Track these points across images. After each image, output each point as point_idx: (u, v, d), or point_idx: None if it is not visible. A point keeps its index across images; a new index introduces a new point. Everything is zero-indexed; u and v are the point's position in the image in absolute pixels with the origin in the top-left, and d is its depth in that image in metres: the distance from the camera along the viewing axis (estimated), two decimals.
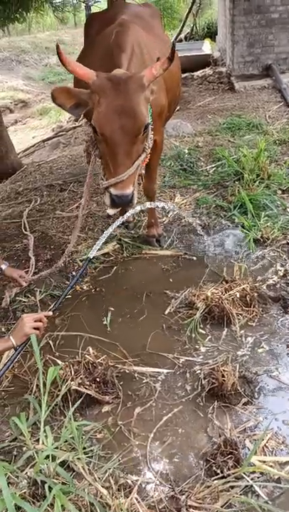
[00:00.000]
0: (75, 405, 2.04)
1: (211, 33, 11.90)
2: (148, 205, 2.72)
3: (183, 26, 12.66)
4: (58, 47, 2.08)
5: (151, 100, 2.22)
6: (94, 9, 4.82)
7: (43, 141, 8.14)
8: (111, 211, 2.27)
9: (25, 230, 3.92)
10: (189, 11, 12.41)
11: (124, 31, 2.58)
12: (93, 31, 3.36)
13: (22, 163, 6.34)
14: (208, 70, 8.96)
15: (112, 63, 2.37)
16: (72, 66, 2.11)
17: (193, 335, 2.56)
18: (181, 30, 12.67)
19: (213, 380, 2.17)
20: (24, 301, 2.97)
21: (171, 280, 3.07)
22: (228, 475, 1.77)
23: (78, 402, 2.08)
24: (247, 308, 2.66)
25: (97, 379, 2.20)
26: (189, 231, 3.62)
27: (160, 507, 1.73)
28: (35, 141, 8.70)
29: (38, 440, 1.93)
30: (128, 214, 2.42)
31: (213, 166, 4.65)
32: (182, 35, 12.64)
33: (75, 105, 2.18)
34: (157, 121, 2.86)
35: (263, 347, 2.45)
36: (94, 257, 3.18)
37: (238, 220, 3.59)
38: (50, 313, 2.24)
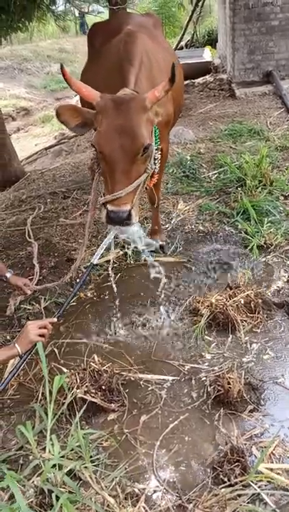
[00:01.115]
0: (80, 413, 2.03)
1: (212, 41, 11.99)
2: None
3: (183, 34, 12.75)
4: (62, 67, 2.12)
5: (157, 122, 2.24)
6: (96, 19, 4.86)
7: (46, 148, 8.19)
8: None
9: (29, 238, 3.93)
10: (190, 19, 12.50)
11: (132, 42, 2.60)
12: (97, 42, 3.39)
13: (25, 170, 6.37)
14: (209, 77, 9.02)
15: (120, 76, 2.39)
16: (77, 86, 2.14)
17: (198, 342, 2.56)
18: (181, 38, 12.75)
19: (219, 388, 2.17)
20: (29, 309, 2.98)
21: (175, 287, 3.07)
22: (236, 483, 1.76)
23: (84, 410, 2.07)
24: (251, 315, 2.66)
25: (103, 387, 2.20)
26: (193, 238, 3.63)
27: None
28: (37, 148, 8.76)
29: (44, 449, 1.92)
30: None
31: (215, 172, 4.67)
32: (183, 43, 12.72)
33: (80, 124, 2.20)
34: (164, 130, 2.89)
35: (268, 353, 2.45)
36: (97, 264, 3.20)
37: (241, 226, 3.60)
38: (55, 319, 2.24)
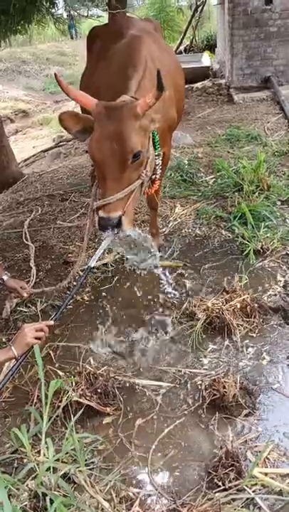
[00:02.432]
0: (76, 417, 2.03)
1: (210, 46, 12.05)
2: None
3: (182, 39, 12.82)
4: (56, 75, 2.14)
5: (156, 127, 2.25)
6: (95, 23, 4.88)
7: (44, 151, 8.19)
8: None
9: (26, 240, 3.93)
10: (189, 24, 12.58)
11: (137, 46, 2.61)
12: (97, 46, 3.39)
13: (23, 173, 6.37)
14: (207, 82, 9.06)
15: (123, 81, 2.39)
16: (74, 94, 2.17)
17: (194, 346, 2.56)
18: (180, 43, 12.82)
19: (214, 392, 2.17)
20: (25, 311, 2.98)
21: (171, 290, 3.07)
22: (230, 487, 1.76)
23: (79, 413, 2.07)
24: (247, 319, 2.67)
25: (99, 390, 2.20)
26: (190, 242, 3.64)
27: None
28: (35, 151, 8.76)
29: (39, 452, 1.92)
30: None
31: (212, 177, 4.69)
32: (182, 48, 12.79)
33: (81, 130, 2.21)
34: (167, 134, 2.90)
35: (263, 358, 2.45)
36: (94, 267, 3.20)
37: (237, 230, 3.61)
38: (52, 322, 2.24)
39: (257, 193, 4.02)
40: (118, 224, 2.13)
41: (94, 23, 4.90)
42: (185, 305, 2.86)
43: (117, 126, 2.06)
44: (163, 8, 14.07)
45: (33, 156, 8.19)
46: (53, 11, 5.79)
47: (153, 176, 2.51)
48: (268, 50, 8.13)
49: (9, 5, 4.02)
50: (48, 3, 5.27)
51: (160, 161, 2.50)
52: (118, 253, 3.50)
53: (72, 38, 20.42)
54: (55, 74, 2.24)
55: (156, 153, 2.44)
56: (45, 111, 14.08)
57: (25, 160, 8.03)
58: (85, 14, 5.11)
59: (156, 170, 2.49)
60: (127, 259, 3.23)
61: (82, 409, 2.11)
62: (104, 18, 5.66)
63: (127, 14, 5.35)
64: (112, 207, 2.10)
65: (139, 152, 2.11)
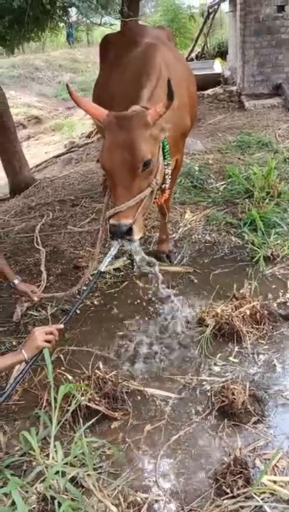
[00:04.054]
0: (87, 424, 2.03)
1: (222, 53, 12.09)
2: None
3: (194, 46, 12.88)
4: (68, 87, 2.20)
5: (166, 136, 2.28)
6: (107, 31, 4.93)
7: (56, 156, 8.28)
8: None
9: (38, 245, 3.97)
10: (201, 31, 12.63)
11: (152, 54, 2.63)
12: (111, 54, 3.42)
13: (35, 178, 6.43)
14: (218, 89, 9.09)
15: (137, 89, 2.41)
16: (84, 105, 2.21)
17: (204, 352, 2.56)
18: (192, 50, 12.88)
19: (223, 398, 2.16)
20: (35, 315, 3.00)
21: (180, 297, 3.08)
22: (238, 495, 1.75)
23: (92, 420, 2.07)
24: (257, 326, 2.66)
25: (108, 394, 2.21)
26: (200, 248, 3.64)
27: None
28: (47, 156, 8.86)
29: (48, 455, 1.93)
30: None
31: (223, 183, 4.69)
32: (193, 55, 12.84)
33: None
34: (180, 141, 2.92)
35: (273, 365, 2.44)
36: (104, 272, 3.22)
37: (248, 237, 3.60)
38: (62, 326, 2.25)
39: (267, 200, 4.02)
40: (128, 231, 2.15)
41: (106, 31, 4.94)
42: (194, 311, 2.86)
43: (127, 135, 2.09)
44: (176, 16, 14.19)
45: (45, 161, 8.28)
46: (66, 18, 5.87)
47: (163, 186, 2.53)
48: (279, 57, 8.14)
49: (24, 15, 4.08)
50: (61, 12, 5.34)
51: (169, 171, 2.51)
52: (127, 258, 3.52)
53: (70, 45, 20.69)
54: (67, 85, 2.28)
55: (166, 163, 2.45)
56: (58, 117, 14.24)
57: (38, 165, 8.12)
58: (98, 22, 5.16)
59: (165, 179, 2.51)
60: (133, 265, 3.27)
61: (90, 414, 2.11)
62: (117, 26, 5.71)
63: (140, 22, 5.40)
64: (122, 214, 2.13)
65: (149, 161, 2.13)
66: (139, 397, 2.31)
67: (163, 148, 2.40)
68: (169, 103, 2.06)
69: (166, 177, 2.50)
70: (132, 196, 2.14)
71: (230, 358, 2.51)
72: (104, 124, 2.16)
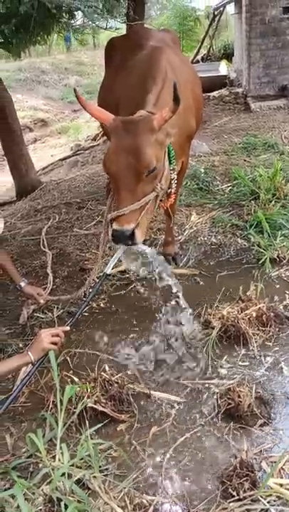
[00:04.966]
0: (94, 427, 2.03)
1: (228, 55, 12.09)
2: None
3: (200, 48, 12.89)
4: (75, 91, 2.21)
5: (172, 141, 2.28)
6: (113, 34, 4.95)
7: (62, 159, 8.31)
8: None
9: (44, 247, 3.99)
10: (206, 33, 12.64)
11: (158, 57, 2.63)
12: (116, 57, 3.43)
13: (41, 181, 6.47)
14: (224, 91, 9.09)
15: (143, 94, 2.42)
16: (91, 110, 2.23)
17: (210, 354, 2.56)
18: (198, 52, 12.90)
19: (229, 401, 2.16)
20: (42, 318, 3.02)
21: (187, 299, 3.07)
22: (244, 497, 1.75)
23: (98, 424, 2.07)
24: (263, 328, 2.66)
25: (114, 396, 2.21)
26: (205, 250, 3.64)
27: None
28: (53, 159, 8.89)
29: (54, 457, 1.93)
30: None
31: (229, 185, 4.68)
32: (199, 57, 12.86)
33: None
34: (186, 144, 2.92)
35: (280, 367, 2.43)
36: (110, 274, 3.22)
37: (254, 239, 3.60)
38: (68, 328, 2.26)
39: (273, 202, 4.01)
40: (131, 236, 2.14)
41: (112, 34, 4.96)
42: (200, 313, 2.86)
43: (133, 139, 2.09)
44: (184, 18, 14.24)
45: (51, 164, 8.32)
46: (72, 22, 5.90)
47: (169, 190, 2.53)
48: (285, 58, 8.13)
49: (30, 19, 4.11)
50: (67, 15, 5.37)
51: (175, 176, 2.50)
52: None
53: (67, 49, 20.83)
54: (74, 89, 2.30)
55: (172, 168, 2.45)
56: (64, 120, 14.30)
57: (44, 168, 8.16)
58: (104, 26, 5.18)
59: (171, 184, 2.50)
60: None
61: (96, 416, 2.12)
62: (122, 30, 5.73)
63: (145, 25, 5.41)
64: (125, 219, 2.12)
65: (154, 166, 2.13)
66: (145, 400, 2.31)
67: (169, 154, 2.40)
68: (175, 107, 2.06)
69: (172, 182, 2.49)
70: (136, 200, 2.13)
71: (237, 361, 2.50)
72: (111, 128, 2.17)
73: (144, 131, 2.11)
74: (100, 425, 2.08)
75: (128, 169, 2.09)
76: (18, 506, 1.79)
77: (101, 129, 4.64)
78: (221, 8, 12.45)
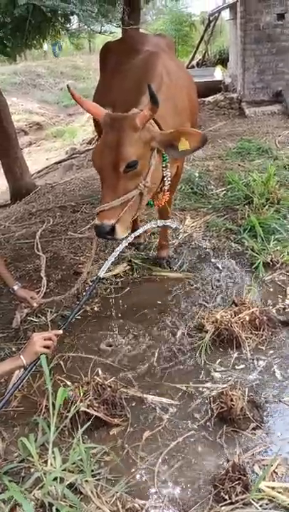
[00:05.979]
0: (84, 428, 2.03)
1: (223, 60, 12.18)
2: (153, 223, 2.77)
3: (195, 53, 12.98)
4: (69, 88, 2.25)
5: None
6: (108, 38, 4.97)
7: (57, 163, 8.32)
8: None
9: (38, 251, 3.98)
10: (201, 39, 12.73)
11: (154, 62, 2.67)
12: (112, 62, 3.43)
13: (36, 184, 6.47)
14: (219, 96, 9.15)
15: (137, 96, 2.45)
16: (85, 105, 2.29)
17: (203, 358, 2.56)
18: (193, 57, 12.98)
19: (222, 405, 2.16)
20: (35, 321, 3.01)
21: (180, 303, 3.08)
22: (237, 501, 1.75)
23: (87, 424, 2.07)
24: (256, 332, 2.66)
25: (106, 401, 2.21)
26: (199, 254, 3.65)
27: None
28: (48, 163, 8.90)
29: (46, 461, 1.92)
30: (136, 233, 2.47)
31: (223, 189, 4.71)
32: (194, 62, 12.94)
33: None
34: None
35: (272, 371, 2.44)
36: (104, 278, 3.22)
37: (247, 243, 3.61)
38: (60, 331, 2.26)
39: (267, 206, 4.03)
40: (111, 232, 2.20)
41: (108, 39, 4.99)
42: (194, 317, 2.87)
43: (116, 135, 2.15)
44: (179, 23, 14.34)
45: (46, 167, 8.33)
46: (68, 26, 5.93)
47: (163, 188, 2.56)
48: (279, 64, 8.20)
49: (25, 23, 4.13)
50: (62, 19, 5.39)
51: (168, 173, 2.53)
52: (128, 264, 3.53)
53: (55, 55, 20.89)
54: (68, 86, 2.34)
55: (164, 165, 2.48)
56: (59, 124, 14.32)
57: (39, 171, 8.16)
58: (99, 30, 5.21)
59: (164, 181, 2.53)
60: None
61: (90, 421, 2.11)
62: (117, 35, 5.76)
63: (140, 30, 5.44)
64: (106, 215, 2.18)
65: (133, 162, 2.17)
66: (138, 404, 2.30)
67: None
68: (154, 107, 2.10)
69: (165, 179, 2.52)
70: (117, 196, 2.18)
71: (230, 364, 2.50)
72: (102, 123, 2.24)
73: (125, 128, 2.16)
74: (88, 426, 2.07)
75: (109, 164, 2.16)
76: (10, 510, 1.79)
77: (96, 133, 4.64)
78: (216, 14, 12.55)
